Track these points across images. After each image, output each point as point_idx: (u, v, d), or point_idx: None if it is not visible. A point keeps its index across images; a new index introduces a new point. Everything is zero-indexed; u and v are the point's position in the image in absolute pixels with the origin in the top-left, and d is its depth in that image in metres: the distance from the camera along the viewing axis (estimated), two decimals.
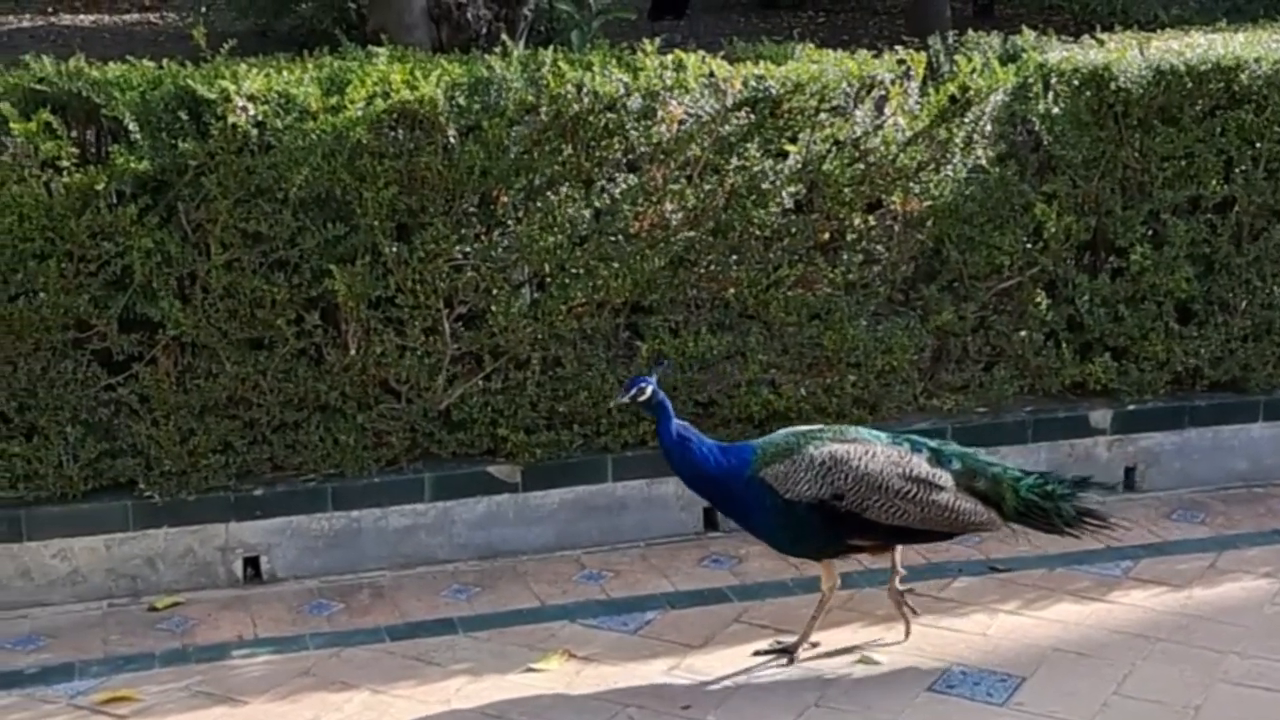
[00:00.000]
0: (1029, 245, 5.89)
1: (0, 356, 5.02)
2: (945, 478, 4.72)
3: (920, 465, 4.69)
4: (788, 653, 4.74)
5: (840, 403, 5.71)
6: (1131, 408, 6.07)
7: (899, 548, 4.85)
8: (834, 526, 4.64)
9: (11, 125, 4.87)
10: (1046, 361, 6.00)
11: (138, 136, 4.98)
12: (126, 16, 20.19)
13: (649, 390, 4.69)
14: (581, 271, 5.43)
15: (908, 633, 4.84)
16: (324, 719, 4.46)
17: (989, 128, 5.78)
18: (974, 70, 5.71)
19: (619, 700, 4.52)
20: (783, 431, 4.81)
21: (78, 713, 4.52)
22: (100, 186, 4.92)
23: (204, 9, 17.50)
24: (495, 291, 5.37)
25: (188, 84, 5.03)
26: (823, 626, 4.88)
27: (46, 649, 4.91)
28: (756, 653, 4.77)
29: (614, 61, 5.50)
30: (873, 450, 4.67)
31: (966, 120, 5.71)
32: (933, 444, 4.85)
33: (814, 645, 4.78)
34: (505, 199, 5.35)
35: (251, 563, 5.35)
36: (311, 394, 5.31)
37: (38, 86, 5.10)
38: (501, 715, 4.46)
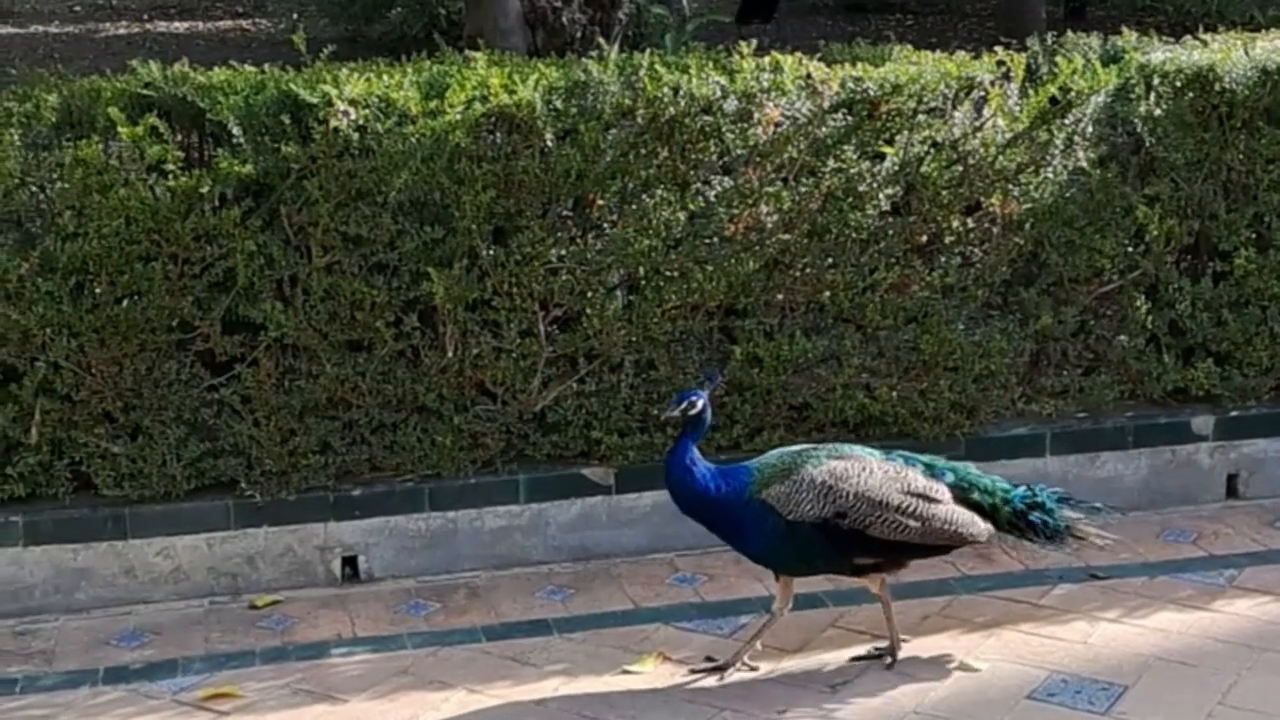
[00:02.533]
0: (1130, 248, 5.81)
1: (106, 357, 5.10)
2: (942, 490, 4.68)
3: (917, 479, 4.66)
4: (889, 654, 4.70)
5: (937, 407, 5.66)
6: (1234, 414, 5.97)
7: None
8: (838, 545, 4.60)
9: (119, 129, 4.96)
10: (1147, 366, 5.92)
11: (241, 141, 5.05)
12: (219, 23, 20.49)
13: (700, 404, 4.64)
14: (676, 274, 5.43)
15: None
16: (422, 718, 4.49)
17: (1090, 129, 5.72)
18: (1075, 71, 5.64)
19: (715, 703, 4.51)
20: (775, 452, 4.78)
21: (181, 709, 4.59)
22: (205, 190, 5.00)
23: (295, 15, 17.73)
24: (590, 294, 5.38)
25: (290, 89, 5.10)
26: (920, 633, 4.86)
27: (150, 645, 4.99)
28: (855, 659, 4.74)
29: (710, 64, 5.49)
30: (869, 466, 4.64)
31: (1067, 122, 5.65)
32: (924, 459, 4.81)
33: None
34: (601, 202, 5.37)
35: (349, 562, 5.40)
36: (409, 395, 5.35)
37: (144, 91, 5.19)
38: (598, 716, 4.46)
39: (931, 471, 4.75)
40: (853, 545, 4.62)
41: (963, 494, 4.74)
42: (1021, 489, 4.85)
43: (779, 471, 4.61)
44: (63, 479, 5.20)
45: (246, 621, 5.14)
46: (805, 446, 4.82)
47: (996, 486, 4.81)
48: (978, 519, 4.71)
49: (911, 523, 4.60)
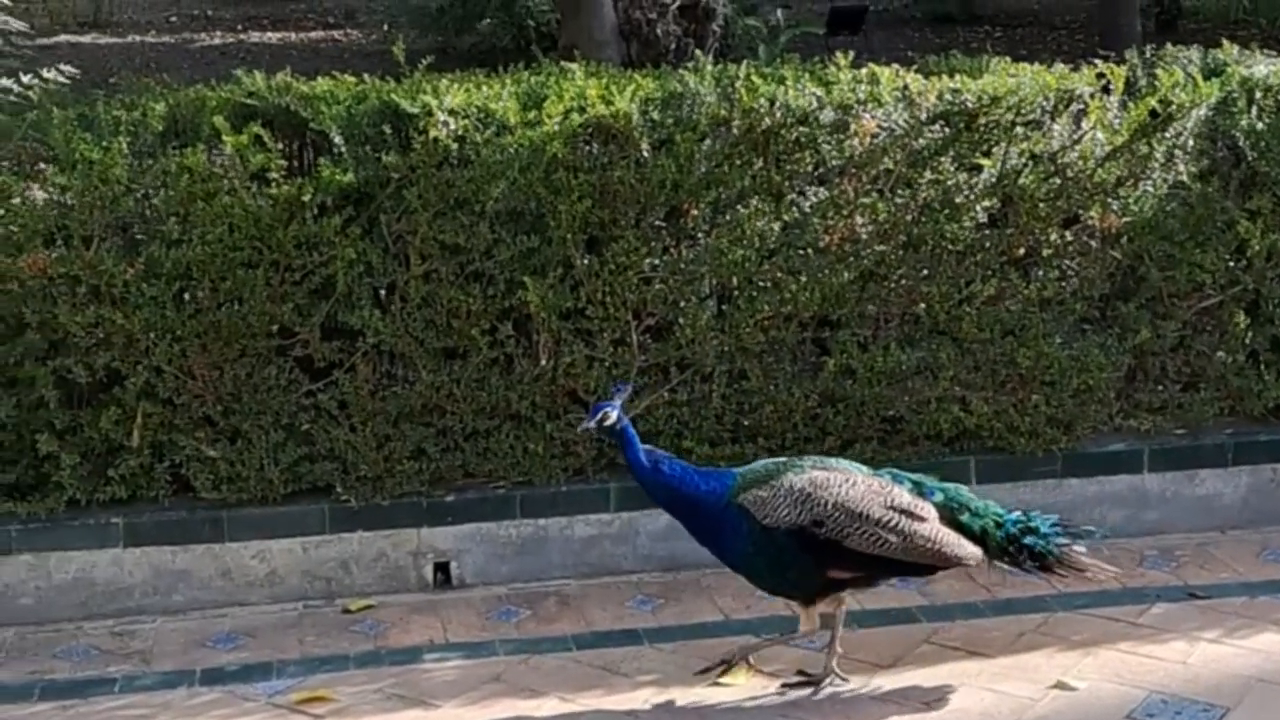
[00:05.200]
0: (1231, 263, 5.73)
1: (207, 362, 5.18)
2: (928, 509, 4.60)
3: (902, 495, 4.58)
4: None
5: (1033, 421, 5.60)
6: None
7: (845, 608, 4.69)
8: (813, 555, 4.52)
9: (224, 138, 5.03)
10: (1248, 383, 5.82)
11: (343, 150, 5.11)
12: (311, 34, 20.77)
13: (614, 415, 4.60)
14: (769, 284, 5.42)
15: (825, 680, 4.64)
16: None
17: (1190, 143, 5.64)
18: (1176, 84, 5.57)
19: (810, 717, 4.48)
20: (763, 461, 4.74)
21: (276, 711, 4.63)
22: (306, 198, 5.06)
23: (386, 26, 17.96)
24: (683, 304, 5.39)
25: (392, 99, 5.16)
26: (1015, 650, 4.81)
27: (245, 647, 5.05)
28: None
29: (807, 75, 5.48)
30: (853, 479, 4.57)
31: (1167, 135, 5.58)
32: (914, 476, 4.73)
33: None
34: (695, 212, 5.38)
35: (441, 568, 5.43)
36: (503, 403, 5.38)
37: (248, 101, 5.27)
38: None
39: (920, 490, 4.66)
40: (828, 556, 4.53)
41: (951, 515, 4.64)
42: (1016, 514, 4.74)
43: (761, 477, 4.57)
44: (163, 481, 5.29)
45: (340, 625, 5.18)
46: (793, 457, 4.78)
47: (989, 510, 4.70)
48: (965, 541, 4.61)
49: (892, 538, 4.52)
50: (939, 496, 4.68)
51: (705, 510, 4.59)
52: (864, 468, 4.72)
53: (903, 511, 4.55)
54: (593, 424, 4.63)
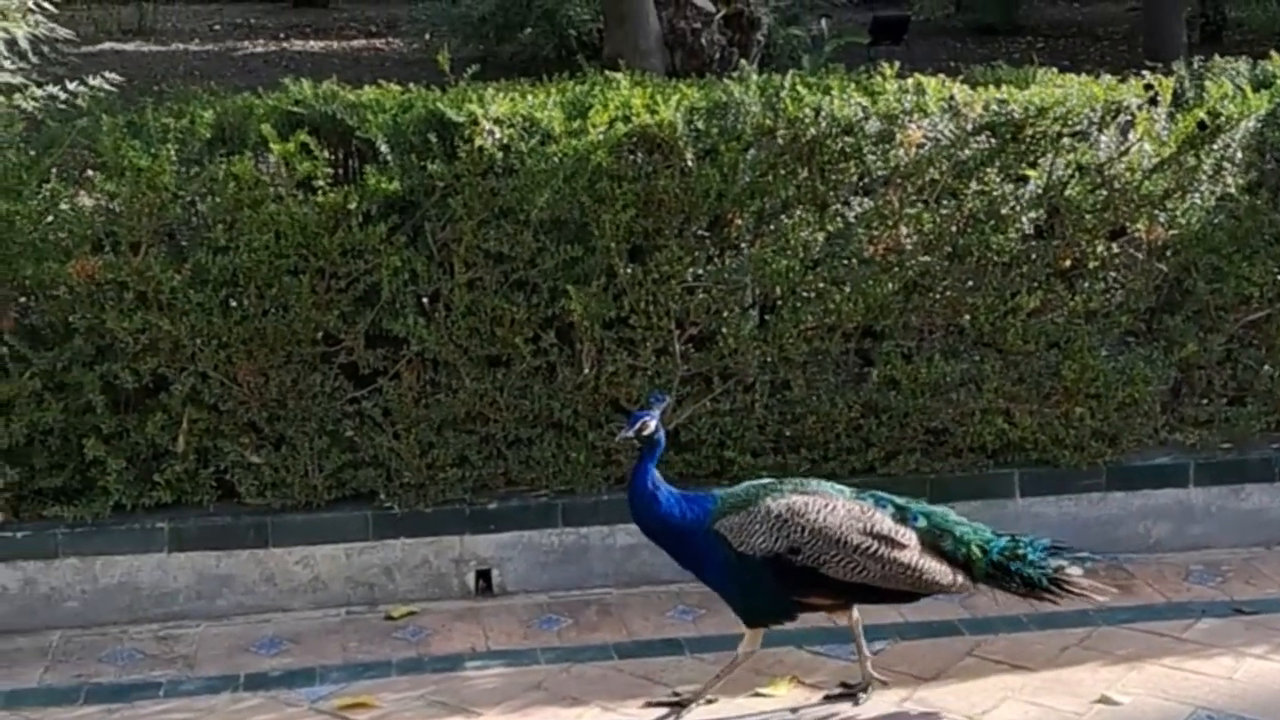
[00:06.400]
0: (1279, 276, 5.67)
1: (253, 368, 5.21)
2: (909, 535, 4.53)
3: (883, 521, 4.51)
4: (681, 706, 4.56)
5: (1078, 434, 5.57)
6: None
7: (858, 618, 4.63)
8: (789, 582, 4.47)
9: (271, 146, 5.06)
10: None
11: (389, 158, 5.13)
12: (353, 42, 20.88)
13: (652, 424, 4.54)
14: (813, 295, 5.41)
15: (865, 688, 4.61)
16: None
17: (1239, 155, 5.60)
18: (1224, 96, 5.54)
19: None
20: (745, 483, 4.69)
21: (320, 717, 4.65)
22: (352, 206, 5.09)
23: (428, 35, 18.03)
24: (726, 314, 5.39)
25: (438, 108, 5.18)
26: (1059, 664, 4.77)
27: (289, 653, 5.06)
28: (648, 704, 4.60)
29: (852, 85, 5.48)
30: (833, 504, 4.51)
31: (1215, 147, 5.55)
32: (899, 500, 4.66)
33: (709, 702, 4.58)
34: (739, 221, 5.37)
35: (483, 575, 5.44)
36: (545, 411, 5.39)
37: (294, 109, 5.30)
38: None
39: (902, 515, 4.58)
40: (806, 584, 4.48)
41: (934, 541, 4.57)
42: (1004, 539, 4.66)
43: (740, 502, 4.51)
44: (208, 486, 5.32)
45: (382, 632, 5.20)
46: (774, 479, 4.72)
47: (974, 536, 4.62)
48: (947, 569, 4.54)
49: (870, 564, 4.46)
50: (922, 522, 4.60)
51: (688, 538, 4.54)
52: (846, 490, 4.64)
53: (882, 538, 4.49)
54: (631, 433, 4.58)
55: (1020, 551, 4.64)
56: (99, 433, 5.22)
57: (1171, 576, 5.41)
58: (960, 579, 4.58)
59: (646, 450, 4.55)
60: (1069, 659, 4.82)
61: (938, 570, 4.54)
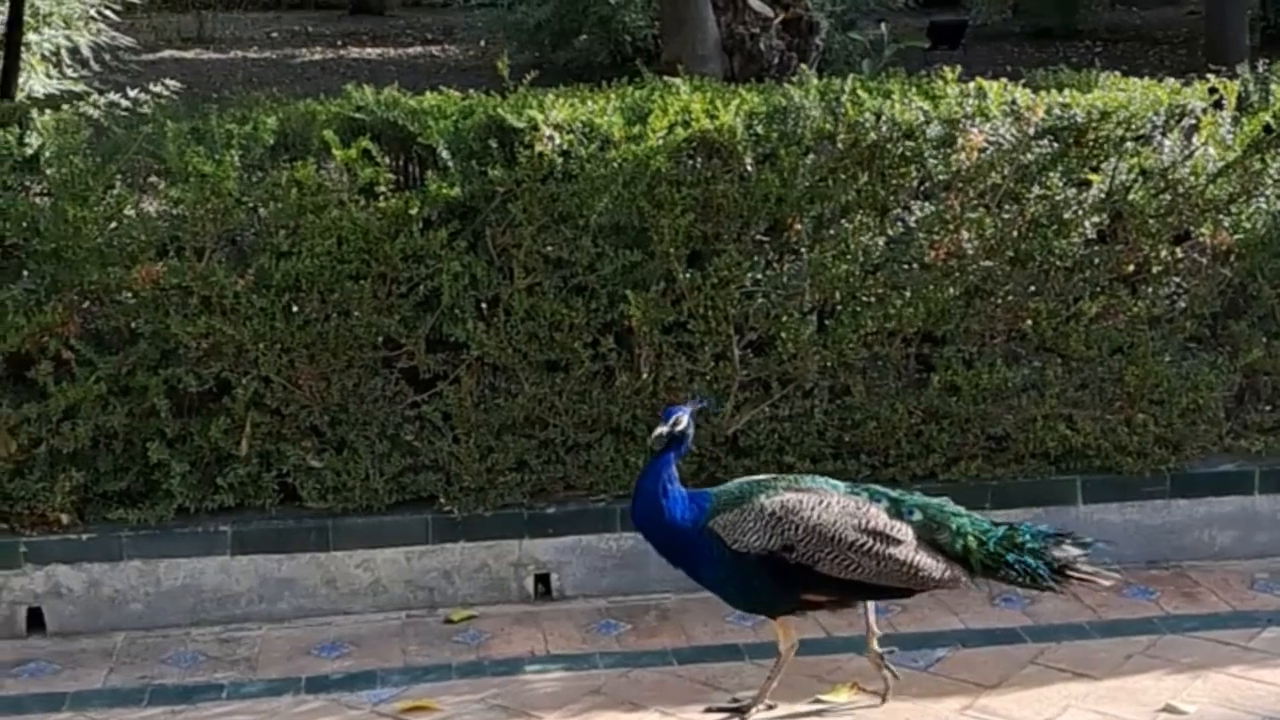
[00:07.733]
0: None
1: (315, 373, 5.25)
2: (905, 530, 4.48)
3: (878, 517, 4.47)
4: (740, 712, 4.54)
5: (1141, 441, 5.52)
6: None
7: (872, 608, 4.60)
8: (784, 580, 4.43)
9: (333, 152, 5.10)
10: None
11: (449, 164, 5.15)
12: (409, 49, 21.01)
13: (685, 420, 4.50)
14: (873, 300, 5.39)
15: (885, 697, 4.59)
16: None
17: None
18: None
19: None
20: (739, 480, 4.66)
21: None
22: (413, 211, 5.11)
23: (483, 42, 18.11)
24: (785, 318, 5.37)
25: (498, 113, 5.19)
26: (1123, 672, 4.73)
27: (350, 656, 5.09)
28: (707, 709, 4.58)
29: (913, 90, 5.45)
30: (827, 500, 4.46)
31: None
32: (894, 494, 4.61)
33: (770, 707, 4.55)
34: (798, 226, 5.36)
35: (542, 579, 5.45)
36: (604, 415, 5.39)
37: (356, 115, 5.33)
38: None
39: (898, 509, 4.54)
40: (800, 582, 4.46)
41: (930, 535, 4.52)
42: (1001, 530, 4.59)
43: (734, 500, 4.49)
44: (270, 490, 5.35)
45: (442, 635, 5.22)
46: (769, 476, 4.70)
47: (972, 528, 4.56)
48: (943, 563, 4.50)
49: (866, 561, 4.42)
50: (918, 516, 4.56)
51: (684, 539, 4.52)
52: (841, 486, 4.61)
53: (877, 534, 4.45)
54: (666, 428, 4.52)
55: (1019, 540, 4.58)
56: (163, 436, 5.27)
57: (1236, 584, 5.35)
58: (955, 573, 4.54)
59: (673, 444, 4.52)
60: (1133, 667, 4.77)
61: (933, 566, 4.50)
